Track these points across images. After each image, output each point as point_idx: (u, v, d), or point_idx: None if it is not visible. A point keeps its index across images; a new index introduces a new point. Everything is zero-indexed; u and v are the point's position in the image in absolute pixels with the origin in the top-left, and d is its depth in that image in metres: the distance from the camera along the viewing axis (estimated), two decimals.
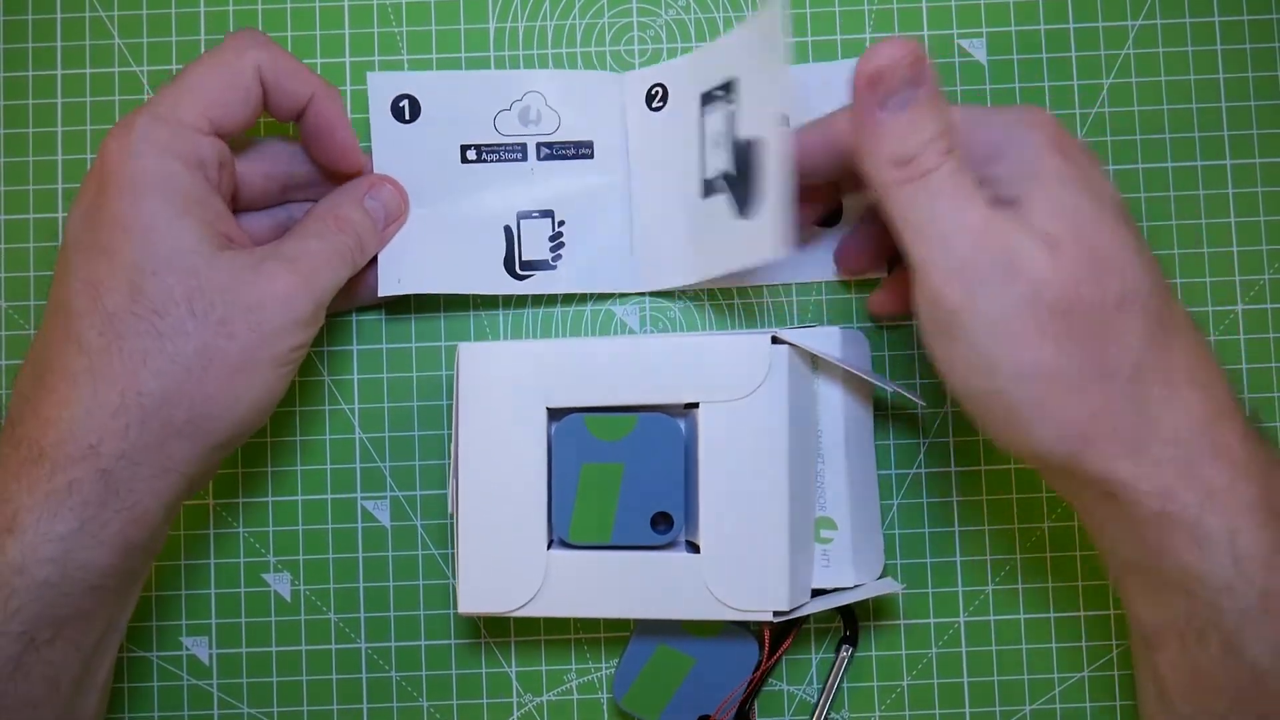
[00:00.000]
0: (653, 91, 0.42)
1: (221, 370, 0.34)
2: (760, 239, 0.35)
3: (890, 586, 0.39)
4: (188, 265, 0.33)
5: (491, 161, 0.41)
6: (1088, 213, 0.30)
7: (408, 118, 0.41)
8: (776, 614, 0.37)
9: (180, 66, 0.42)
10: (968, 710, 0.41)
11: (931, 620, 0.41)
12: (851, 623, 0.41)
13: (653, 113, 0.41)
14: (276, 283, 0.34)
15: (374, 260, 0.40)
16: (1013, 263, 0.29)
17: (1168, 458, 0.29)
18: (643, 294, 0.42)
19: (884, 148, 0.31)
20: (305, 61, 0.42)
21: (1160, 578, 0.31)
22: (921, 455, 0.42)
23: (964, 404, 0.33)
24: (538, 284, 0.41)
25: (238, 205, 0.39)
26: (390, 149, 0.41)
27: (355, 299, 0.41)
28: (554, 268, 0.41)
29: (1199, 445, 0.29)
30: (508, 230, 0.41)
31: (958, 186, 0.30)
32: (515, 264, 0.41)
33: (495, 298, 0.42)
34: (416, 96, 0.41)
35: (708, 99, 0.39)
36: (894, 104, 0.30)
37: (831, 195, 0.41)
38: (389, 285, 0.40)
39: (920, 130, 0.30)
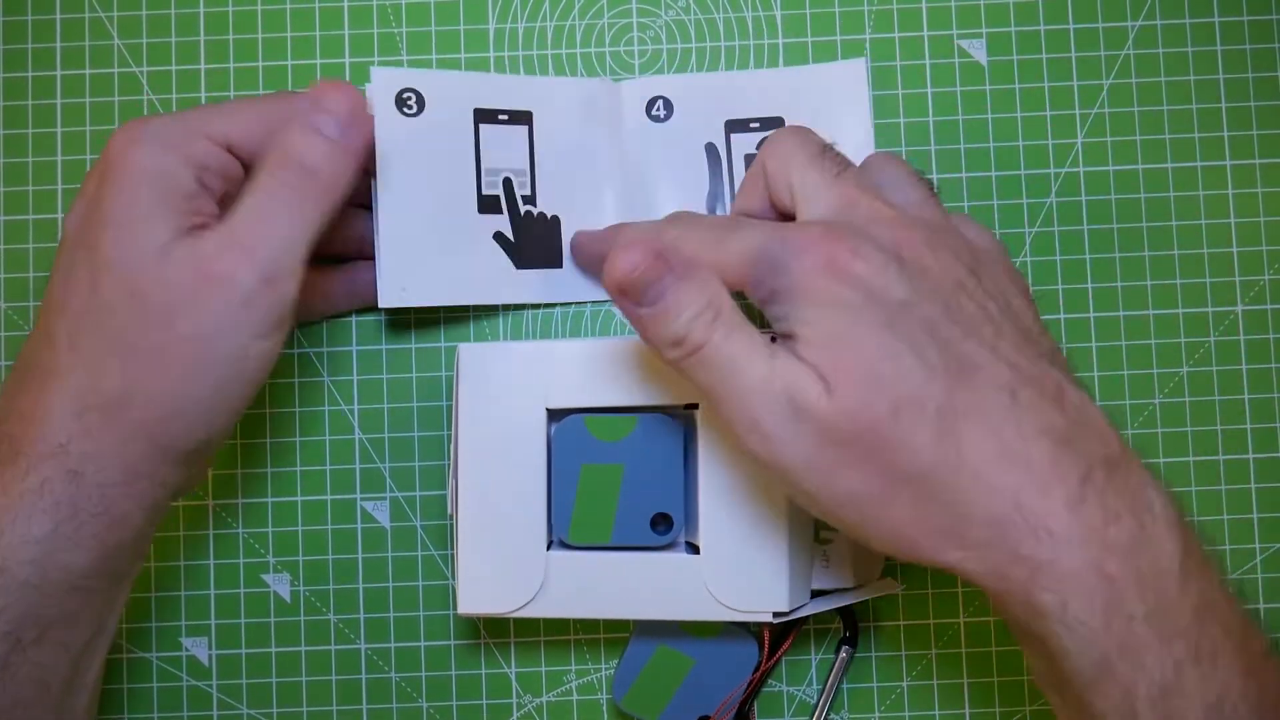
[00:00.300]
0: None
1: (172, 370, 0.33)
2: None
3: (890, 586, 0.39)
4: (146, 262, 0.32)
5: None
6: (851, 334, 0.30)
7: (413, 110, 0.40)
8: (776, 615, 0.37)
9: (180, 67, 0.42)
10: (968, 710, 0.41)
11: (931, 620, 0.41)
12: (851, 623, 0.41)
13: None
14: (212, 266, 0.32)
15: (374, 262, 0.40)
16: (795, 408, 0.30)
17: (988, 541, 0.30)
18: None
19: (656, 338, 0.32)
20: (305, 62, 0.42)
21: (1023, 640, 0.32)
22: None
23: None
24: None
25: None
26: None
27: (356, 299, 0.41)
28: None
29: (1014, 527, 0.29)
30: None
31: (731, 351, 0.31)
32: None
33: None
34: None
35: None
36: (647, 302, 0.31)
37: None
38: (391, 296, 0.39)
39: (679, 315, 0.31)
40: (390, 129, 0.39)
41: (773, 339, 0.31)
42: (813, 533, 0.39)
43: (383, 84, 0.40)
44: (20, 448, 0.32)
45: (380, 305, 0.39)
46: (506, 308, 0.42)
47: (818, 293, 0.30)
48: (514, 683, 0.42)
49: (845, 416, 0.30)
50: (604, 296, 0.41)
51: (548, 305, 0.42)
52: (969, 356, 0.30)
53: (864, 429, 0.30)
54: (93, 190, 0.34)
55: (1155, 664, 0.29)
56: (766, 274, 0.31)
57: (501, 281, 0.41)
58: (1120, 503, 0.29)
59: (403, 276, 0.39)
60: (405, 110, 0.40)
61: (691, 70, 0.42)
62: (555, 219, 0.41)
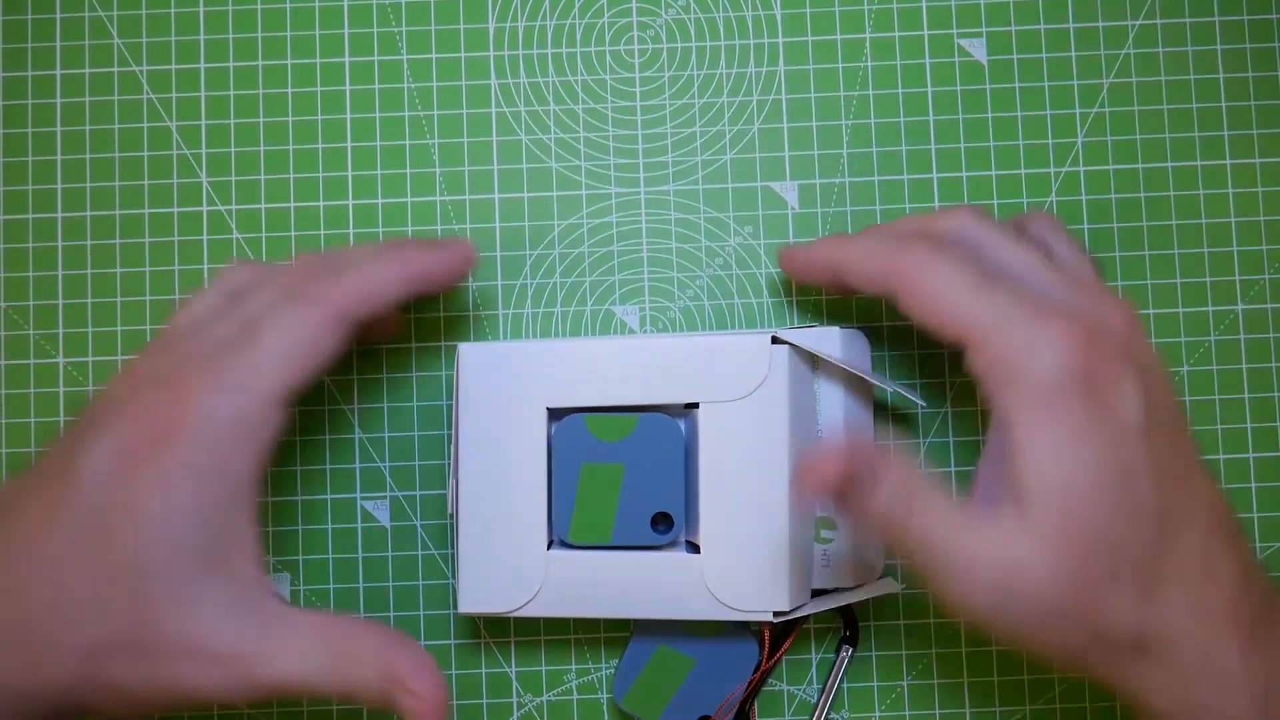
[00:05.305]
0: None
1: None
2: None
3: (890, 586, 0.39)
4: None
5: None
6: (1082, 482, 0.30)
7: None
8: (777, 614, 0.37)
9: (180, 66, 0.42)
10: (968, 710, 0.41)
11: (931, 620, 0.41)
12: (851, 623, 0.41)
13: None
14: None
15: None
16: (1009, 590, 0.30)
17: (1166, 685, 0.31)
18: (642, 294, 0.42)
19: (864, 516, 0.32)
20: (305, 61, 0.42)
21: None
22: (921, 455, 0.42)
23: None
24: None
25: None
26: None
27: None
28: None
29: (1194, 676, 0.30)
30: None
31: (928, 528, 0.31)
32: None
33: (495, 298, 0.42)
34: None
35: None
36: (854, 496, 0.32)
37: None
38: None
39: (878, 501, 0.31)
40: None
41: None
42: (813, 532, 0.39)
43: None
44: None
45: None
46: (506, 305, 0.42)
47: (1045, 422, 0.30)
48: (514, 682, 0.42)
49: (1063, 591, 0.30)
50: None
51: (548, 304, 0.42)
52: (1180, 504, 0.31)
53: (1081, 600, 0.30)
54: (139, 445, 0.31)
55: None
56: (1003, 351, 0.31)
57: None
58: (1275, 645, 0.31)
59: None
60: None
61: (691, 69, 0.42)
62: None
